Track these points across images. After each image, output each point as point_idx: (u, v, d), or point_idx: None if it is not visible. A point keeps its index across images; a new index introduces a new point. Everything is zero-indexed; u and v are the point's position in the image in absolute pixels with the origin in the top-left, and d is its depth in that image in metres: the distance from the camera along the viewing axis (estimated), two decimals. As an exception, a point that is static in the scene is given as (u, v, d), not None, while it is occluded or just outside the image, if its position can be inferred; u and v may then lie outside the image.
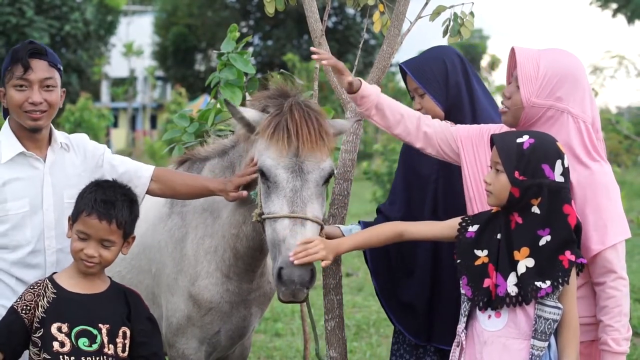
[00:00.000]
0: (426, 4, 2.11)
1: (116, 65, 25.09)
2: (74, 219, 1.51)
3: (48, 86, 1.65)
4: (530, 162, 1.43)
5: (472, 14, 2.12)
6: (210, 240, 1.86)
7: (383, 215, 1.91)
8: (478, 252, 1.48)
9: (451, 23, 2.12)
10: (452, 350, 1.54)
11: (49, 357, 1.44)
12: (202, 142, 2.15)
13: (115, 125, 24.55)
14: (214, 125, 2.16)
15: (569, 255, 1.41)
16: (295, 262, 1.47)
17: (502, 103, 1.59)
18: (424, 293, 1.79)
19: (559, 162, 1.44)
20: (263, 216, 1.60)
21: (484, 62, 31.03)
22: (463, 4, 2.11)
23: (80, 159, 1.76)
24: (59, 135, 1.74)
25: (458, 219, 1.56)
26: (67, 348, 1.44)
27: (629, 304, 1.48)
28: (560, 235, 1.42)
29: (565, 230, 1.42)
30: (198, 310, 1.87)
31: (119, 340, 1.49)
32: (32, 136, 1.67)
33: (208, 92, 2.83)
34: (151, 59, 26.15)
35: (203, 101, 12.96)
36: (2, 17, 19.81)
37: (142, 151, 17.08)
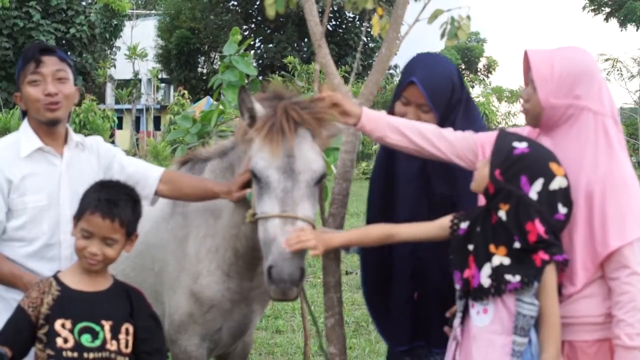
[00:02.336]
0: (424, 7, 2.14)
1: (120, 68, 25.22)
2: (78, 217, 1.54)
3: (60, 78, 1.69)
4: (513, 167, 1.44)
5: (468, 17, 2.15)
6: (211, 239, 1.89)
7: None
8: (470, 247, 1.51)
9: (448, 26, 2.15)
10: (448, 344, 1.56)
11: (53, 353, 1.45)
12: (204, 142, 2.19)
13: (120, 126, 24.61)
14: (216, 126, 2.20)
15: (542, 255, 1.43)
16: (288, 249, 1.49)
17: (522, 105, 1.59)
18: (407, 299, 1.79)
19: (540, 180, 1.43)
20: (256, 216, 1.62)
21: (481, 64, 31.00)
22: (460, 7, 2.14)
23: (95, 159, 1.81)
24: (75, 135, 1.78)
25: (448, 218, 1.58)
26: (70, 344, 1.46)
27: None
28: (525, 245, 1.43)
29: (526, 244, 1.43)
30: (200, 307, 1.89)
31: (122, 336, 1.51)
32: (51, 132, 1.70)
33: (210, 94, 2.87)
34: (155, 62, 26.26)
35: (205, 103, 12.99)
36: (10, 21, 19.98)
37: (146, 152, 17.15)
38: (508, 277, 1.41)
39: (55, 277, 1.53)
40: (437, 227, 1.59)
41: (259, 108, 1.67)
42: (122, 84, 25.63)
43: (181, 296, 1.92)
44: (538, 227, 1.42)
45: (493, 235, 1.46)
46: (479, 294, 1.46)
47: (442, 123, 1.74)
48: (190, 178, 1.91)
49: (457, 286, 1.52)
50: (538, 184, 1.43)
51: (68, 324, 1.47)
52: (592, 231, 1.47)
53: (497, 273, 1.43)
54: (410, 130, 1.64)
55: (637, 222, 1.45)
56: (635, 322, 1.43)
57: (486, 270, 1.44)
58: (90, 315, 1.49)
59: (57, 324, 1.47)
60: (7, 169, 1.63)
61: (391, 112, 1.82)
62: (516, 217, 1.43)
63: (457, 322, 1.53)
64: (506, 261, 1.44)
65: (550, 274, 1.43)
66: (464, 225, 1.55)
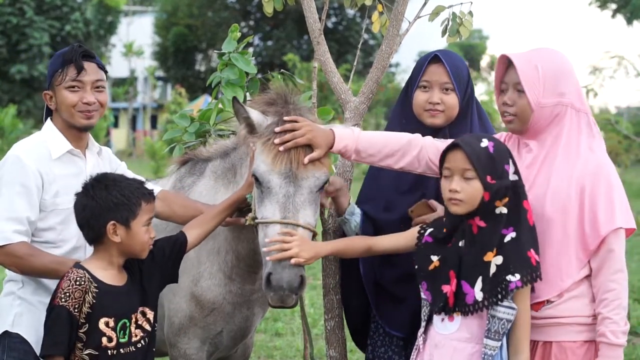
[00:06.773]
0: (425, 4, 2.10)
1: (116, 66, 25.09)
2: (124, 220, 1.49)
3: (98, 87, 1.74)
4: (497, 164, 1.44)
5: (470, 13, 2.12)
6: (212, 241, 1.87)
7: (372, 223, 1.80)
8: (433, 257, 1.49)
9: (450, 23, 2.12)
10: (412, 355, 1.54)
11: (96, 352, 1.45)
12: (202, 142, 2.15)
13: (116, 125, 24.54)
14: (215, 124, 2.16)
15: (534, 254, 1.42)
16: (267, 257, 1.49)
17: (504, 112, 1.57)
18: (409, 282, 1.72)
19: (511, 160, 1.47)
20: (256, 220, 1.61)
21: (484, 62, 31.03)
22: (462, 3, 2.11)
23: (108, 166, 1.85)
24: (94, 141, 1.82)
25: (417, 228, 1.58)
26: (113, 342, 1.47)
27: (627, 298, 1.47)
28: (524, 231, 1.43)
29: (527, 225, 1.44)
30: (200, 310, 1.87)
31: (142, 320, 1.53)
32: (78, 136, 1.74)
33: (208, 92, 2.83)
34: (151, 59, 26.16)
35: (203, 101, 12.93)
36: (3, 17, 19.84)
37: (143, 151, 17.08)
38: (508, 277, 1.40)
39: (87, 270, 1.49)
40: (410, 236, 1.59)
41: (255, 116, 1.65)
42: (118, 82, 25.51)
43: (181, 299, 1.89)
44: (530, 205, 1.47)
45: (483, 244, 1.44)
46: (467, 309, 1.43)
47: (461, 115, 1.72)
48: (184, 198, 1.89)
49: (424, 296, 1.51)
50: (512, 165, 1.48)
51: (111, 322, 1.47)
52: (583, 223, 1.49)
53: (496, 278, 1.41)
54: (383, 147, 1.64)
55: (625, 212, 1.48)
56: (620, 319, 1.44)
57: (479, 284, 1.42)
58: (127, 311, 1.51)
59: (101, 323, 1.46)
60: (42, 168, 1.64)
61: (407, 106, 1.80)
62: (513, 202, 1.44)
63: (420, 331, 1.52)
64: (498, 260, 1.42)
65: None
66: (428, 234, 1.54)
